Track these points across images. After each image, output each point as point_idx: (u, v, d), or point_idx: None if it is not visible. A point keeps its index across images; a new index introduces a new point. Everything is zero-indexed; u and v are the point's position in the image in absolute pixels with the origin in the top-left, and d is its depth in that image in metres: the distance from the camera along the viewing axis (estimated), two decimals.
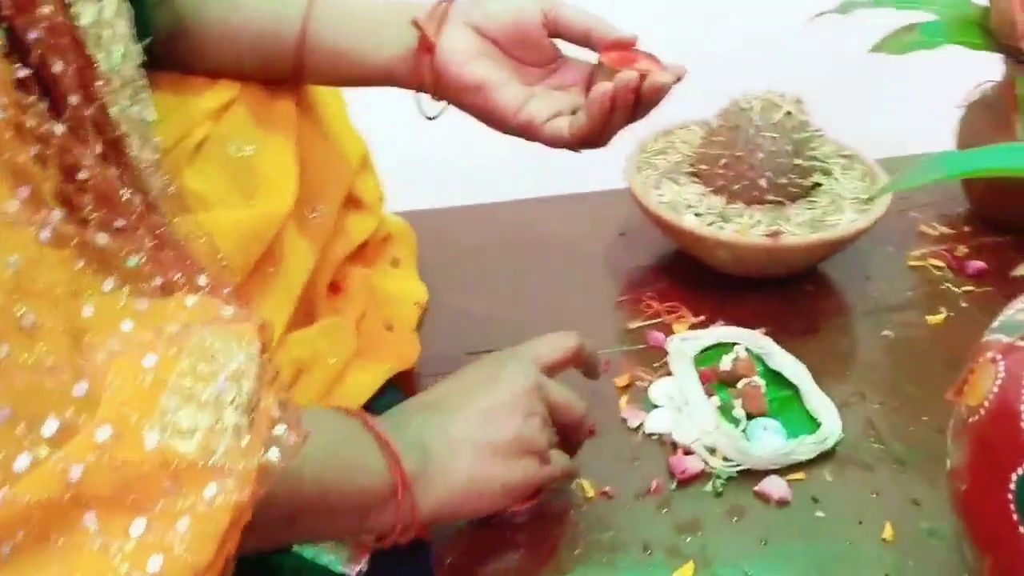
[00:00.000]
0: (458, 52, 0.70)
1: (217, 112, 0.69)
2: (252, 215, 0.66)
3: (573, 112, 0.71)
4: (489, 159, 1.22)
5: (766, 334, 0.84)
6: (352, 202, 0.80)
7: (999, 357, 0.50)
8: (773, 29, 1.49)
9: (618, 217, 1.00)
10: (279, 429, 0.41)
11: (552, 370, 0.66)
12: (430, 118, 0.76)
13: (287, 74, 0.74)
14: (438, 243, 0.96)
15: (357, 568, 0.61)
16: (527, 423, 0.61)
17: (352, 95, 0.84)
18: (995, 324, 0.54)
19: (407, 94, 0.74)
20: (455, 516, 0.60)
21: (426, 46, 0.70)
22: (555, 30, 0.71)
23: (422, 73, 0.71)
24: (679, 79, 0.69)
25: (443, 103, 0.74)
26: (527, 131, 0.71)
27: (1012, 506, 0.47)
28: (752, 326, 0.85)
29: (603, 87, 0.67)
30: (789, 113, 0.86)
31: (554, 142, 0.71)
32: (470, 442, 0.59)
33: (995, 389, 0.50)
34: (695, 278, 0.92)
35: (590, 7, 0.72)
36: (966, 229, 1.01)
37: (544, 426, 0.62)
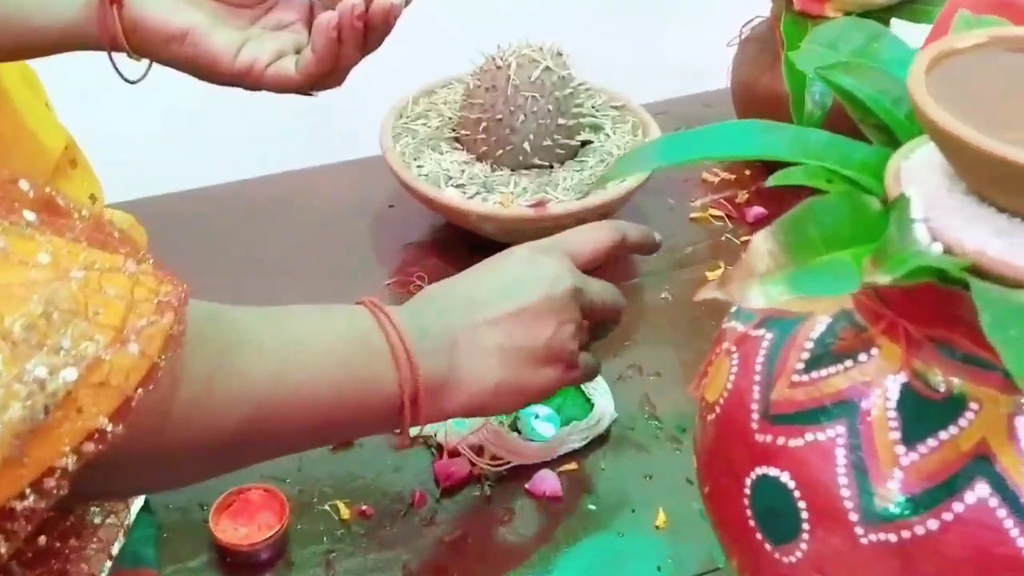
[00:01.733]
0: (151, 2, 0.64)
1: None
2: None
3: (298, 52, 0.67)
4: (233, 131, 1.15)
5: None
6: (49, 208, 0.72)
7: (733, 348, 0.49)
8: None
9: (387, 187, 0.95)
10: None
11: (590, 264, 0.64)
12: (131, 82, 0.70)
13: None
14: (177, 233, 0.90)
15: None
16: (560, 331, 0.59)
17: (57, 75, 0.76)
18: (733, 308, 0.52)
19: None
20: (469, 415, 0.59)
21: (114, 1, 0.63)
22: None
23: (111, 28, 0.64)
24: (409, 2, 0.66)
25: (145, 61, 0.69)
26: (248, 78, 0.67)
27: (748, 511, 0.46)
28: None
29: (327, 17, 0.64)
30: (548, 68, 0.83)
31: (281, 86, 0.67)
32: (500, 350, 0.58)
33: (729, 384, 0.48)
34: (467, 252, 0.88)
35: None
36: (747, 172, 1.01)
37: (577, 332, 0.61)
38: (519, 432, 0.70)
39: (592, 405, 0.73)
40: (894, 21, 0.90)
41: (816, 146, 0.45)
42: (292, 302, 0.78)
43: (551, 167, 0.86)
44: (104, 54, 0.67)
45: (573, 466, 0.69)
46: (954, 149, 0.38)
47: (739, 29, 1.01)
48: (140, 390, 0.40)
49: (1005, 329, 0.32)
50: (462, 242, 0.89)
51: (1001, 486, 0.40)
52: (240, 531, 0.62)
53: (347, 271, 0.88)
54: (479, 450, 0.69)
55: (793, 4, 0.87)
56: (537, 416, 0.72)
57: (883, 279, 0.34)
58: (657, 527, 0.65)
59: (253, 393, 0.48)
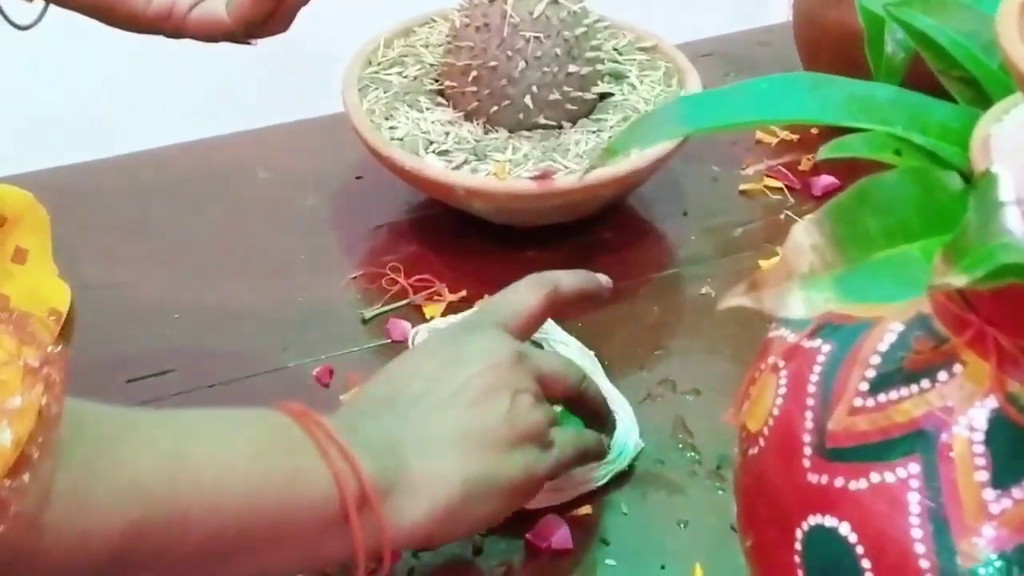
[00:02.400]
0: None
1: None
2: None
3: None
4: (158, 88, 1.16)
5: None
6: None
7: (781, 364, 0.50)
8: None
9: (352, 154, 0.96)
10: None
11: (526, 331, 0.68)
12: (23, 27, 0.71)
13: None
14: (87, 213, 0.91)
15: None
16: (516, 401, 0.62)
17: None
18: None
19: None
20: (451, 534, 0.60)
21: None
22: None
23: None
24: None
25: (40, 2, 0.70)
26: (167, 24, 0.69)
27: (800, 570, 0.47)
28: None
29: None
30: (556, 1, 0.84)
31: (209, 32, 0.69)
32: (455, 439, 0.60)
33: (775, 410, 0.49)
34: (454, 237, 0.91)
35: None
36: (813, 131, 1.02)
37: (537, 403, 0.64)
38: None
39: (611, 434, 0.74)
40: None
41: (883, 106, 0.45)
42: (229, 302, 0.79)
43: (560, 128, 0.87)
44: None
45: (587, 510, 0.71)
46: None
47: None
48: (8, 480, 0.41)
49: None
50: (447, 223, 0.91)
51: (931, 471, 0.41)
52: None
53: (301, 262, 0.89)
54: None
55: None
56: None
57: (959, 280, 0.34)
58: None
59: (143, 487, 0.48)
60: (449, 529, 0.59)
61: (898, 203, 0.37)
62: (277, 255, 0.90)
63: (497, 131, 0.87)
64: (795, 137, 1.01)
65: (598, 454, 0.70)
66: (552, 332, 0.80)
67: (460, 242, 0.90)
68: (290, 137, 1.01)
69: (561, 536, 0.69)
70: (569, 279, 0.71)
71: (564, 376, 0.67)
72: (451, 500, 0.58)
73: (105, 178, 0.97)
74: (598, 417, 0.71)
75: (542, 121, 0.86)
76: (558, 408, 0.68)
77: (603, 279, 0.73)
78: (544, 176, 0.82)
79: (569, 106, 0.87)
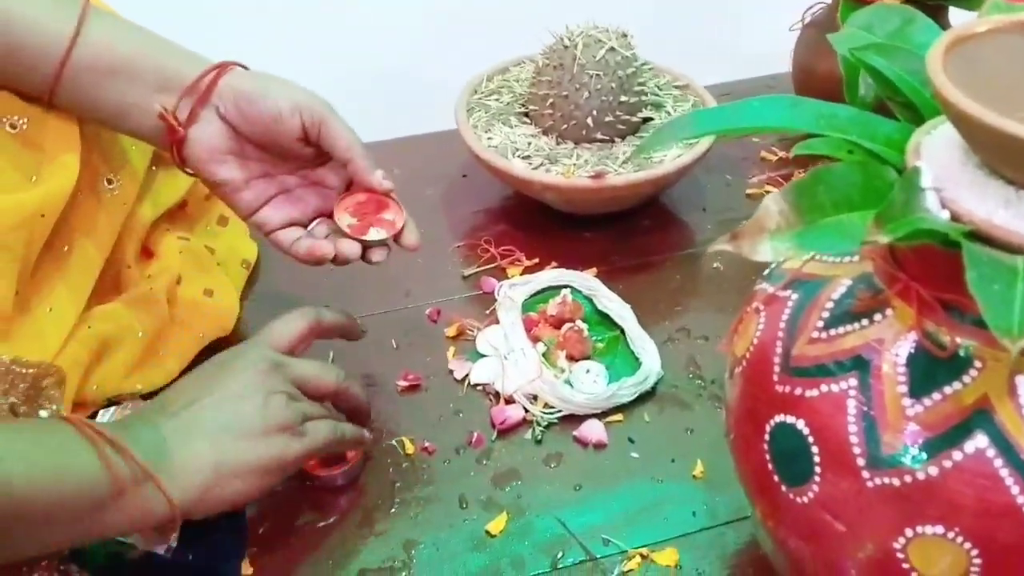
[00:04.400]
0: (205, 149, 0.65)
1: None
2: (33, 196, 0.63)
3: (313, 218, 0.69)
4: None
5: (598, 274, 0.84)
6: (160, 160, 0.77)
7: (761, 307, 0.51)
8: None
9: (461, 158, 0.98)
10: None
11: (294, 348, 0.65)
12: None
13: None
14: None
15: (164, 545, 0.60)
16: (268, 401, 0.59)
17: None
18: (765, 272, 0.54)
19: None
20: (219, 503, 0.56)
21: (174, 138, 0.65)
22: (315, 143, 0.66)
23: (172, 153, 0.67)
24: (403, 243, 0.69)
25: None
26: (261, 232, 0.69)
27: (767, 456, 0.48)
28: (587, 266, 0.85)
29: (321, 248, 0.66)
30: (613, 48, 0.85)
31: (283, 250, 0.69)
32: (208, 429, 0.57)
33: (755, 340, 0.50)
34: (532, 220, 0.91)
35: None
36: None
37: (290, 401, 0.60)
38: (571, 385, 0.73)
39: (640, 363, 0.75)
40: (952, 10, 0.89)
41: (842, 120, 0.46)
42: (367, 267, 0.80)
43: (612, 141, 0.87)
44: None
45: (619, 418, 0.72)
46: (966, 125, 0.40)
47: (802, 14, 1.01)
48: None
49: (988, 284, 0.34)
50: (528, 210, 0.91)
51: (999, 438, 0.41)
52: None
53: (421, 234, 0.89)
54: (533, 398, 0.72)
55: None
56: (588, 371, 0.75)
57: (883, 238, 0.35)
58: (695, 476, 0.68)
59: None
60: (206, 504, 0.56)
61: (845, 184, 0.38)
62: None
63: (565, 143, 0.88)
64: (791, 156, 1.00)
65: (357, 442, 0.65)
66: (600, 290, 0.81)
67: (535, 224, 0.91)
68: (416, 145, 1.02)
69: (599, 434, 0.70)
70: (330, 315, 0.67)
71: (318, 378, 0.64)
72: (205, 481, 0.55)
73: None
74: (358, 412, 0.67)
75: (599, 136, 0.87)
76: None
77: (358, 323, 0.71)
78: (598, 176, 0.83)
79: (619, 126, 0.87)
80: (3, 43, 0.61)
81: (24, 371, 0.58)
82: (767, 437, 0.48)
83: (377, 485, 0.67)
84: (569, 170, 0.84)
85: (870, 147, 0.43)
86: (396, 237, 0.68)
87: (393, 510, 0.65)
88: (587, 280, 0.82)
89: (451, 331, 0.79)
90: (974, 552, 0.42)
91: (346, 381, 0.65)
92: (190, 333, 0.73)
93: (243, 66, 0.67)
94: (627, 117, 0.87)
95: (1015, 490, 0.41)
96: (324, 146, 0.66)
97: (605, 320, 0.80)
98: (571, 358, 0.75)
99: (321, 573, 0.62)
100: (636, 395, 0.73)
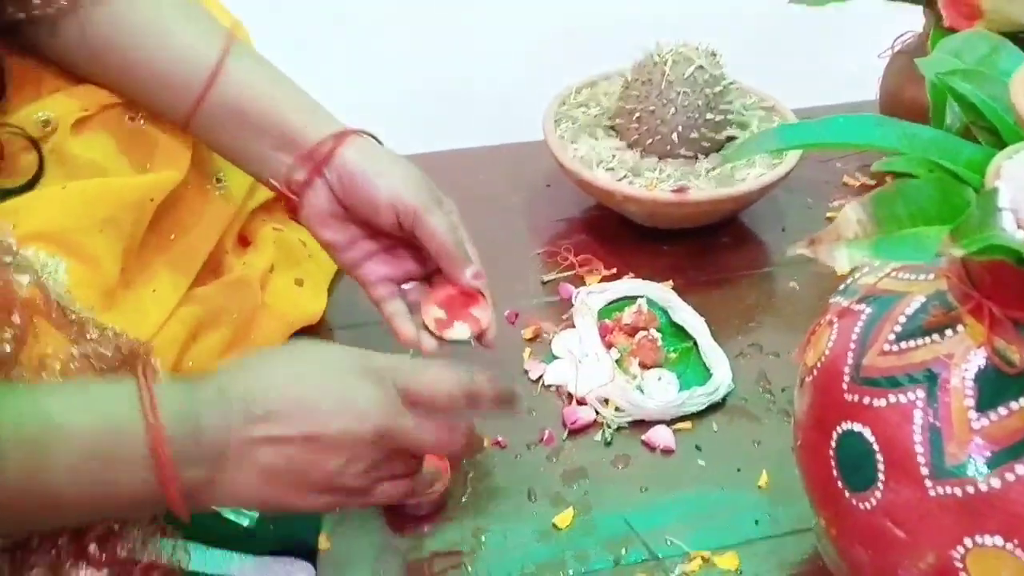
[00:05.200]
0: (314, 212, 0.69)
1: None
2: (143, 181, 0.68)
3: (407, 280, 0.71)
4: (408, 108, 1.23)
5: (675, 287, 0.86)
6: None
7: (835, 320, 0.53)
8: None
9: (546, 168, 1.01)
10: None
11: (422, 406, 0.56)
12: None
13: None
14: None
15: (247, 518, 0.64)
16: (348, 467, 0.53)
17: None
18: (840, 287, 0.56)
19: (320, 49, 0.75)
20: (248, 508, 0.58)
21: (288, 204, 0.70)
22: (409, 234, 0.68)
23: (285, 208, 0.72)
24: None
25: None
26: (361, 285, 0.71)
27: (833, 463, 0.50)
28: (663, 278, 0.87)
29: (404, 334, 0.68)
30: (702, 67, 0.87)
31: (375, 303, 0.71)
32: (271, 472, 0.52)
33: (827, 351, 0.52)
34: (612, 231, 0.93)
35: None
36: (887, 179, 1.01)
37: (371, 470, 0.55)
38: (642, 391, 0.75)
39: (711, 375, 0.77)
40: None
41: (925, 141, 0.48)
42: None
43: (696, 158, 0.89)
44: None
45: (688, 425, 0.74)
46: None
47: (891, 42, 1.02)
48: None
49: None
50: (609, 221, 0.94)
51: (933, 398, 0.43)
52: None
53: (505, 239, 0.93)
54: (604, 402, 0.75)
55: (943, 20, 0.88)
56: (660, 379, 0.77)
57: (957, 251, 0.37)
58: (759, 487, 0.69)
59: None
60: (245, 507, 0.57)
61: (923, 198, 0.40)
62: (490, 233, 0.93)
63: (649, 157, 0.89)
64: (873, 183, 1.01)
65: (431, 483, 0.64)
66: (675, 302, 0.83)
67: (616, 235, 0.92)
68: (504, 153, 1.04)
69: (667, 440, 0.72)
70: (489, 387, 0.58)
71: (425, 446, 0.57)
72: (247, 504, 0.55)
73: None
74: (505, 401, 0.60)
75: (683, 152, 0.89)
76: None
77: (518, 392, 0.62)
78: (680, 191, 0.85)
79: (704, 143, 0.89)
80: (152, 69, 0.67)
81: (122, 344, 0.61)
82: (833, 444, 0.50)
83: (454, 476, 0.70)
84: (651, 183, 0.86)
85: (950, 167, 0.45)
86: (479, 337, 0.69)
87: (464, 499, 0.69)
88: (663, 292, 0.84)
89: (528, 333, 0.82)
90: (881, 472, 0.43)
91: (473, 384, 0.58)
92: (279, 320, 0.77)
93: (368, 133, 0.70)
94: (712, 135, 0.89)
95: (920, 444, 0.42)
96: (417, 238, 0.67)
97: (679, 332, 0.82)
98: (643, 365, 0.77)
99: (394, 551, 0.65)
100: (706, 405, 0.75)
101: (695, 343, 0.80)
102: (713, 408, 0.75)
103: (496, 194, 0.99)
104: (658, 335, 0.79)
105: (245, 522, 0.64)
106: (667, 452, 0.72)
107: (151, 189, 0.68)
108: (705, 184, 0.86)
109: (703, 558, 0.64)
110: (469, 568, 0.64)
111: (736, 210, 0.90)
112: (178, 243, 0.73)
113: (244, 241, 0.81)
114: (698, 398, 0.74)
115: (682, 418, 0.74)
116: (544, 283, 0.88)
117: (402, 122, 1.33)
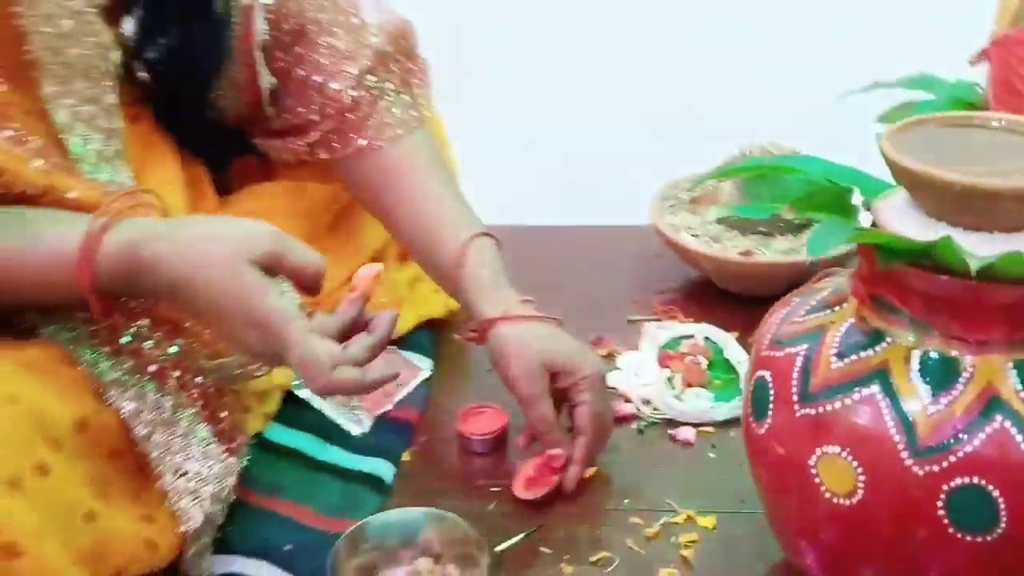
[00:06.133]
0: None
1: None
2: (330, 188, 0.95)
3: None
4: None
5: (738, 339, 1.02)
6: None
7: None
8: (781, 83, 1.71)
9: (657, 243, 1.21)
10: None
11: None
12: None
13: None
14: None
15: (360, 429, 0.87)
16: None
17: None
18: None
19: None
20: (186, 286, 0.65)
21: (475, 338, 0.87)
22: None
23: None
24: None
25: None
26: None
27: (748, 402, 0.66)
28: (731, 331, 1.03)
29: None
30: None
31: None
32: (176, 287, 0.65)
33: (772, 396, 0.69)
34: (700, 292, 1.11)
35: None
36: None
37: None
38: (680, 400, 0.93)
39: (741, 394, 0.93)
40: None
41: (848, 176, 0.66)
42: (560, 296, 1.00)
43: (772, 235, 1.07)
44: None
45: (710, 430, 0.90)
46: (896, 171, 0.59)
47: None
48: None
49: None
50: (700, 287, 1.12)
51: (888, 389, 0.58)
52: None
53: (616, 294, 1.12)
54: (646, 402, 0.93)
55: None
56: (698, 396, 0.94)
57: (788, 215, 0.55)
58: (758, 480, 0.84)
59: None
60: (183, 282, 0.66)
61: (788, 189, 0.59)
62: (606, 291, 1.13)
63: (731, 231, 1.07)
64: None
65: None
66: (731, 344, 1.00)
67: (703, 296, 1.10)
68: (622, 232, 1.24)
69: (688, 436, 0.89)
70: (299, 255, 0.68)
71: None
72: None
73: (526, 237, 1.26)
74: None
75: (762, 229, 1.06)
76: None
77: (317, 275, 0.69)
78: (747, 253, 1.03)
79: (780, 224, 1.06)
80: (414, 224, 0.89)
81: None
82: (750, 389, 0.66)
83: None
84: (726, 248, 1.05)
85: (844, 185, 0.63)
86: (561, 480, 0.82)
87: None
88: (721, 334, 1.01)
89: (603, 351, 1.02)
90: (860, 470, 0.58)
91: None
92: (413, 312, 1.01)
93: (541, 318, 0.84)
94: (788, 217, 1.07)
95: (891, 425, 0.57)
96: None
97: (728, 367, 0.98)
98: (687, 384, 0.95)
99: (458, 496, 0.84)
100: (729, 416, 0.91)
101: (739, 376, 0.97)
102: (736, 422, 0.91)
103: (614, 260, 1.19)
104: (705, 362, 0.97)
105: (356, 431, 0.87)
106: (686, 444, 0.89)
107: (338, 196, 0.96)
108: (772, 254, 1.04)
109: (688, 515, 0.80)
110: None
111: (795, 278, 1.06)
112: (349, 244, 0.99)
113: (403, 258, 1.05)
114: (724, 410, 0.91)
115: (707, 424, 0.91)
116: (630, 322, 1.08)
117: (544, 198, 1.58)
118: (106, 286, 0.66)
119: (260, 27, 0.86)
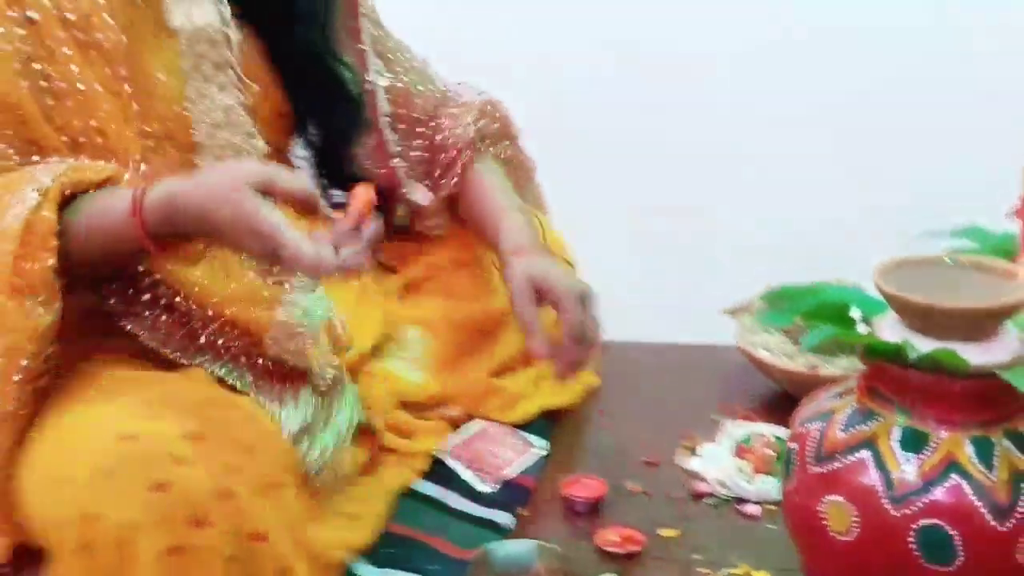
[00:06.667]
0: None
1: None
2: (475, 308, 1.23)
3: None
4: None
5: None
6: None
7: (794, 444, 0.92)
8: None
9: (740, 361, 1.43)
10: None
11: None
12: None
13: None
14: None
15: (487, 488, 1.12)
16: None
17: None
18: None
19: None
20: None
21: None
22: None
23: None
24: None
25: None
26: None
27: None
28: None
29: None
30: None
31: None
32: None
33: (795, 461, 0.91)
34: (777, 401, 1.32)
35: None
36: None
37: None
38: (748, 482, 1.13)
39: None
40: None
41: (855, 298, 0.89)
42: (656, 402, 1.26)
43: (835, 354, 1.28)
44: None
45: (773, 507, 1.10)
46: (883, 295, 0.82)
47: None
48: None
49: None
50: (777, 397, 1.33)
51: (876, 457, 0.79)
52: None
53: (695, 393, 1.36)
54: (722, 484, 1.14)
55: None
56: (764, 482, 1.14)
57: (799, 323, 0.79)
58: None
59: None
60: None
61: (802, 304, 0.82)
62: (692, 391, 1.38)
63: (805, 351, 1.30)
64: None
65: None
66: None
67: (779, 404, 1.31)
68: (709, 350, 1.47)
69: (754, 511, 1.10)
70: (287, 182, 0.85)
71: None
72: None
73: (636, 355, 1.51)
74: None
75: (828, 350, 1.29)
76: None
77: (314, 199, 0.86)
78: (812, 368, 1.24)
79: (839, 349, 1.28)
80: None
81: None
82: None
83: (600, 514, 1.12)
84: (795, 362, 1.26)
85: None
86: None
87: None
88: (787, 433, 1.22)
89: (688, 443, 1.23)
90: (855, 513, 0.79)
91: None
92: (537, 403, 1.27)
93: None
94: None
95: (879, 485, 0.78)
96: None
97: None
98: (756, 471, 1.15)
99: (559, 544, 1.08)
100: None
101: None
102: None
103: (703, 379, 1.42)
104: (774, 455, 1.17)
105: (484, 489, 1.12)
106: (752, 518, 1.09)
107: (479, 315, 1.24)
108: (834, 369, 1.25)
109: (747, 570, 1.01)
110: None
111: None
112: (486, 350, 1.27)
113: (527, 361, 1.31)
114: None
115: (770, 503, 1.11)
116: (711, 420, 1.29)
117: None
118: (156, 230, 0.85)
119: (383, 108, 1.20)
